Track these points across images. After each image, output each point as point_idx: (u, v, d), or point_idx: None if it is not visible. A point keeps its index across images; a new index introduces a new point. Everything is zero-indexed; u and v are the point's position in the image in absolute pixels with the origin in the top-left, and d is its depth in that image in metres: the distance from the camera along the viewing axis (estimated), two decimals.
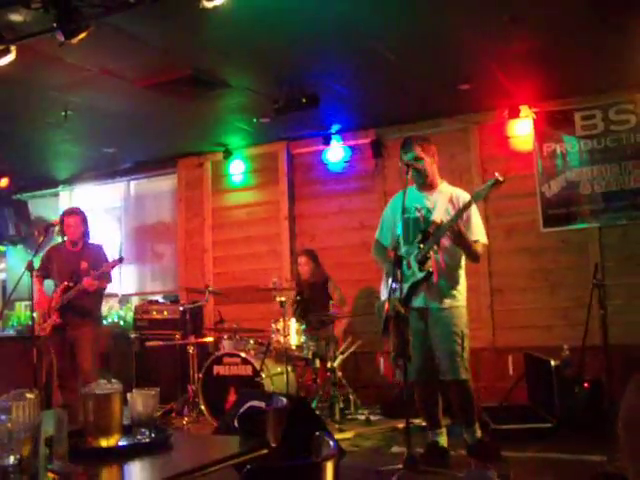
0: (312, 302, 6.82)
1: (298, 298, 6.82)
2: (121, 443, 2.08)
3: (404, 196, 4.46)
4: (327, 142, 7.76)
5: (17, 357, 7.14)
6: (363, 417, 6.29)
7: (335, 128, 7.66)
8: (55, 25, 4.07)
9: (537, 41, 5.29)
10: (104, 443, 2.04)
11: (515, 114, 6.87)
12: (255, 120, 7.09)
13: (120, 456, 2.05)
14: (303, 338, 6.34)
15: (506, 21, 4.78)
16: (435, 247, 4.42)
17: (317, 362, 6.43)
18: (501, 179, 4.17)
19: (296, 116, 6.53)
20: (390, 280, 4.50)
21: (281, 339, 6.24)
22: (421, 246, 4.42)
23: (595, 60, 5.73)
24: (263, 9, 4.56)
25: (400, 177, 4.66)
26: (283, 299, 6.36)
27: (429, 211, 4.56)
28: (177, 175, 8.77)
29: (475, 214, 4.54)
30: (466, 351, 4.49)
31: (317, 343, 6.46)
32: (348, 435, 5.68)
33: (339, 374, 6.42)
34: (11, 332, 8.89)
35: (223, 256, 8.36)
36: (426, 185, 4.66)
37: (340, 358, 6.48)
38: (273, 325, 6.34)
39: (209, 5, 3.91)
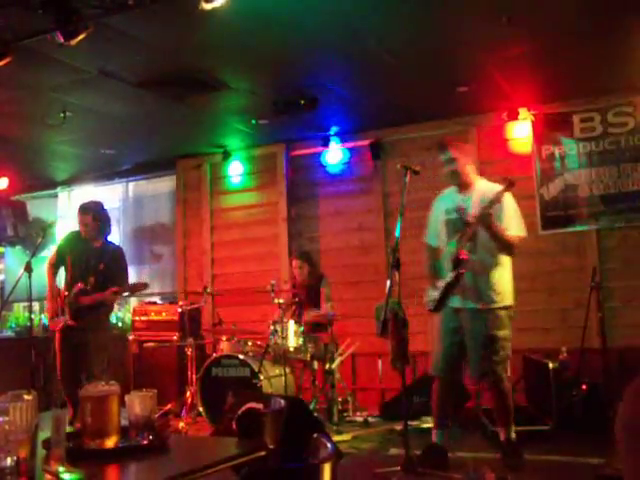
0: (308, 304, 6.81)
1: (296, 300, 6.82)
2: (119, 445, 2.08)
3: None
4: (326, 144, 7.77)
5: (15, 358, 7.13)
6: (361, 419, 6.29)
7: (334, 130, 7.66)
8: (54, 26, 4.08)
9: (536, 43, 5.30)
10: (102, 445, 2.04)
11: (514, 116, 6.88)
12: (254, 122, 7.10)
13: (118, 458, 2.05)
14: (301, 340, 6.33)
15: (504, 23, 4.79)
16: (469, 245, 4.40)
17: (315, 364, 6.43)
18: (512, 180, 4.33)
19: (295, 118, 6.55)
20: (436, 282, 4.59)
21: (279, 341, 6.23)
22: (458, 245, 4.44)
23: (594, 63, 5.74)
24: (262, 11, 4.56)
25: (398, 179, 4.66)
26: (281, 301, 6.36)
27: (465, 211, 4.56)
28: (176, 176, 8.77)
29: (508, 207, 4.50)
30: (498, 354, 4.44)
31: (315, 345, 6.46)
32: (346, 437, 5.68)
33: (337, 376, 6.42)
34: (9, 333, 8.88)
35: (222, 257, 8.36)
36: (462, 185, 4.67)
37: (338, 360, 6.48)
38: (271, 327, 6.34)
39: (208, 7, 3.91)
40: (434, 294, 4.57)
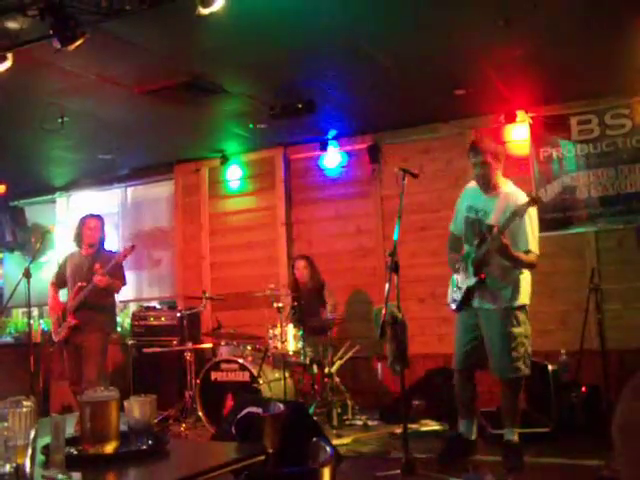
0: (309, 307, 6.82)
1: (295, 304, 6.82)
2: (118, 450, 2.07)
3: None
4: (324, 147, 7.77)
5: (14, 364, 7.13)
6: (361, 422, 6.28)
7: (332, 134, 7.67)
8: (51, 32, 4.08)
9: (533, 46, 5.30)
10: (101, 450, 2.04)
11: (511, 119, 6.89)
12: (252, 126, 7.10)
13: (117, 463, 2.05)
14: (300, 344, 6.33)
15: (502, 26, 4.80)
16: (487, 249, 4.45)
17: (315, 368, 6.43)
18: (535, 197, 4.39)
19: (293, 122, 6.54)
20: (455, 279, 4.70)
21: (279, 345, 6.23)
22: (478, 250, 4.51)
23: (591, 65, 5.75)
24: (259, 15, 4.57)
25: (396, 182, 4.66)
26: (280, 305, 6.36)
27: (486, 214, 4.59)
28: (174, 181, 8.77)
29: (529, 223, 4.51)
30: (517, 350, 4.49)
31: (315, 349, 6.46)
32: (346, 441, 5.67)
33: (337, 379, 6.42)
34: (8, 339, 8.87)
35: (220, 262, 8.36)
36: (488, 187, 4.70)
37: (338, 363, 6.48)
38: (270, 331, 6.33)
39: (205, 11, 3.92)
40: (457, 295, 4.69)
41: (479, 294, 4.60)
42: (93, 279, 5.72)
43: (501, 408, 4.76)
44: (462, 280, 4.67)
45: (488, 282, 4.53)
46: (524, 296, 4.61)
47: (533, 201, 4.34)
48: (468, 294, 4.62)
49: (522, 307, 4.59)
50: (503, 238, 4.28)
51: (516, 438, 4.57)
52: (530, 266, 4.56)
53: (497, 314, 4.54)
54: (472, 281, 4.55)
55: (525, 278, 4.62)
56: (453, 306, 4.77)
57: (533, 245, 4.51)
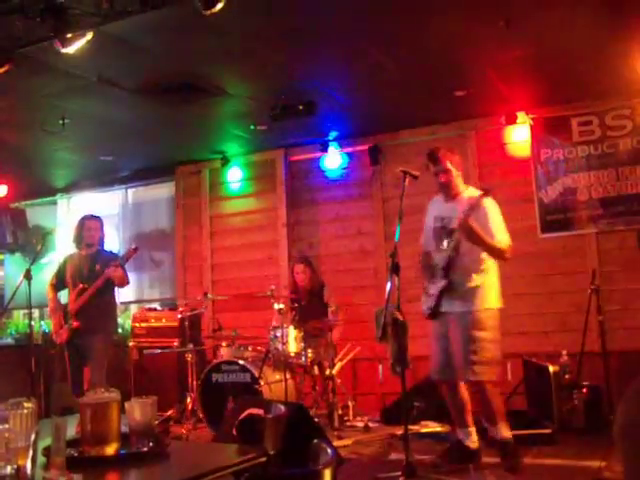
0: (310, 309, 6.81)
1: (296, 305, 6.82)
2: (119, 452, 2.07)
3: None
4: (325, 149, 7.77)
5: (15, 365, 7.13)
6: (362, 424, 6.27)
7: (333, 135, 7.67)
8: (53, 34, 4.08)
9: (533, 47, 5.30)
10: (102, 452, 2.03)
11: (512, 120, 6.89)
12: (252, 127, 7.10)
13: (118, 465, 2.05)
14: (301, 345, 6.33)
15: (502, 27, 4.80)
16: (453, 252, 4.52)
17: (316, 369, 6.43)
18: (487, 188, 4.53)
19: (293, 123, 6.55)
20: (428, 288, 4.70)
21: (279, 346, 6.23)
22: (443, 253, 4.56)
23: (592, 66, 5.75)
24: (260, 17, 4.58)
25: (397, 184, 4.68)
26: (281, 306, 6.36)
27: (451, 219, 4.65)
28: (175, 183, 8.77)
29: (490, 215, 4.56)
30: (477, 354, 4.48)
31: (315, 350, 6.45)
32: (347, 442, 5.67)
33: (338, 381, 6.41)
34: (9, 340, 8.87)
35: (221, 263, 8.36)
36: (450, 194, 4.77)
37: (339, 365, 6.47)
38: (271, 332, 6.33)
39: (207, 13, 3.92)
40: (429, 302, 4.69)
41: (447, 298, 4.62)
42: (106, 271, 5.73)
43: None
44: (433, 287, 4.69)
45: (455, 286, 4.57)
46: (491, 300, 4.61)
47: (485, 193, 4.45)
48: (439, 299, 4.64)
49: (489, 310, 4.59)
50: (465, 221, 4.32)
51: (505, 435, 4.56)
52: (502, 253, 4.54)
53: (462, 317, 4.56)
54: (441, 284, 4.59)
55: (491, 280, 4.64)
56: (427, 313, 4.76)
57: (500, 235, 4.53)
